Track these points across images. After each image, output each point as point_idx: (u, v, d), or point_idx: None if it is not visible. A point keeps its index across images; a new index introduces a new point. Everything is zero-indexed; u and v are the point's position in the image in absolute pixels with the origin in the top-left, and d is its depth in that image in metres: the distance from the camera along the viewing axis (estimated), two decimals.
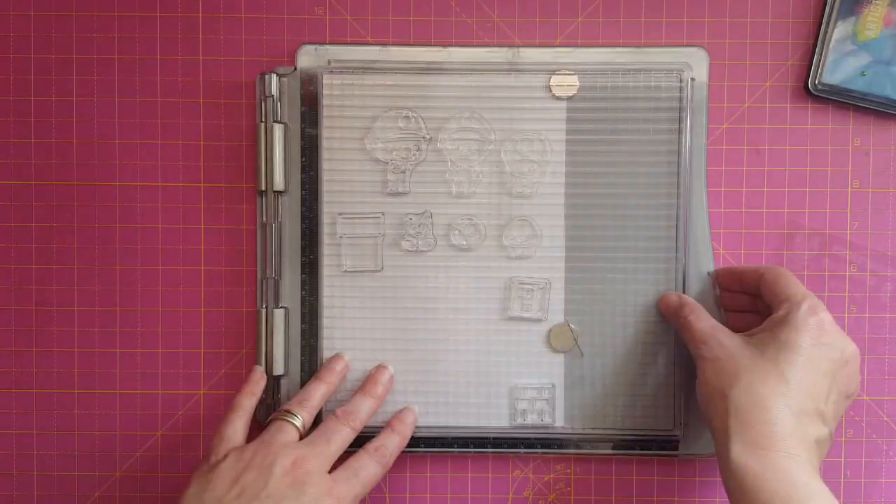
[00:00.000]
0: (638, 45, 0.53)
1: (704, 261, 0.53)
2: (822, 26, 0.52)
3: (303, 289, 0.53)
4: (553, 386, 0.53)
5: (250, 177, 0.53)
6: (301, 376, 0.53)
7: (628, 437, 0.53)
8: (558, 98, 0.53)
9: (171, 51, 0.53)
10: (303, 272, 0.53)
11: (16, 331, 0.54)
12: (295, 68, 0.53)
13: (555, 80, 0.53)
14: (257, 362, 0.53)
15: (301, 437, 0.48)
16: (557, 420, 0.53)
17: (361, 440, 0.50)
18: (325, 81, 0.53)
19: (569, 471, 0.54)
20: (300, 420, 0.48)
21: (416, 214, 0.53)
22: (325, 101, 0.53)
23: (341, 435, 0.48)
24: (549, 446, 0.54)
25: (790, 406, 0.43)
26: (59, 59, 0.53)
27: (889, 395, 0.54)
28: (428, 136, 0.52)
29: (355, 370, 0.53)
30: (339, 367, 0.52)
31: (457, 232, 0.53)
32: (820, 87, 0.52)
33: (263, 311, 0.53)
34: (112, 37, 0.53)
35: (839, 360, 0.44)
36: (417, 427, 0.53)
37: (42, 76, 0.53)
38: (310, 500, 0.44)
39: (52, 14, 0.53)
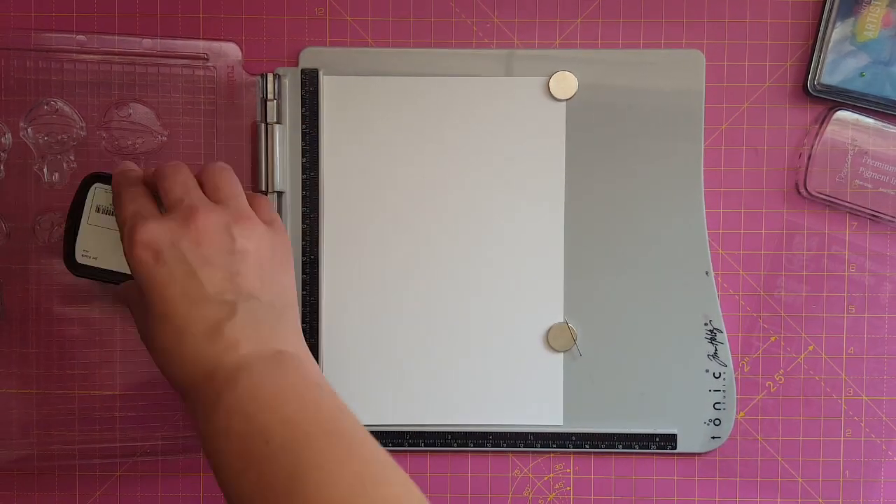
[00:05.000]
0: (636, 48, 0.53)
1: (702, 261, 0.53)
2: (821, 27, 0.52)
3: (303, 289, 0.53)
4: (552, 386, 0.53)
5: (251, 177, 0.53)
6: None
7: (627, 436, 0.53)
8: (557, 99, 0.53)
9: None
10: (303, 272, 0.53)
11: (18, 332, 0.54)
12: (295, 69, 0.53)
13: (554, 80, 0.53)
14: None
15: None
16: (557, 419, 0.54)
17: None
18: (325, 82, 0.53)
19: (568, 470, 0.55)
20: None
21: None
22: (325, 102, 0.53)
23: None
24: (548, 445, 0.54)
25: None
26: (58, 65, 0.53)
27: (888, 395, 0.54)
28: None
29: (359, 371, 0.53)
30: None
31: (455, 231, 0.53)
32: (819, 87, 0.52)
33: None
34: (112, 38, 0.53)
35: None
36: (417, 425, 0.53)
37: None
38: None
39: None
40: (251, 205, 0.45)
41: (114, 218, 0.46)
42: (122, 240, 0.43)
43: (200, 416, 0.40)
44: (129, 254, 0.42)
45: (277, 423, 0.38)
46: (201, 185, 0.45)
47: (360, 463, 0.37)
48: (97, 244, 0.47)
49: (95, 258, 0.47)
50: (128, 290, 0.45)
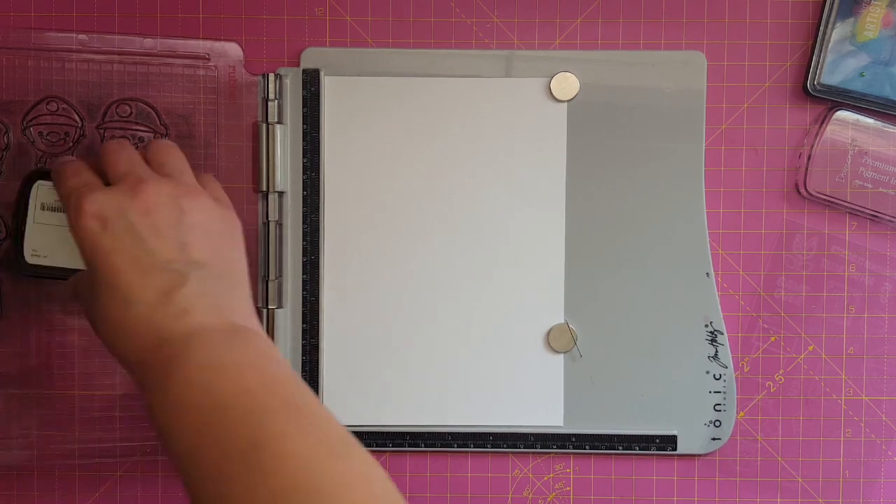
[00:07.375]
0: (637, 48, 0.53)
1: (703, 262, 0.53)
2: (821, 27, 0.52)
3: (303, 289, 0.53)
4: (553, 386, 0.53)
5: (251, 177, 0.53)
6: (301, 376, 0.53)
7: (628, 437, 0.53)
8: (559, 100, 0.53)
9: None
10: (303, 272, 0.53)
11: (18, 332, 0.54)
12: (297, 69, 0.53)
13: (555, 81, 0.53)
14: None
15: None
16: (557, 420, 0.54)
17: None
18: (326, 83, 0.53)
19: (568, 470, 0.55)
20: None
21: None
22: (326, 102, 0.53)
23: None
24: (548, 446, 0.54)
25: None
26: (59, 64, 0.53)
27: (888, 395, 0.54)
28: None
29: (359, 371, 0.53)
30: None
31: (456, 232, 0.53)
32: (819, 87, 0.53)
33: (264, 311, 0.53)
34: (113, 37, 0.53)
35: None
36: (417, 425, 0.53)
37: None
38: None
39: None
40: (199, 182, 0.44)
41: (59, 214, 0.45)
42: (67, 214, 0.41)
43: (151, 389, 0.38)
44: (75, 224, 0.40)
45: (237, 394, 0.36)
46: (147, 162, 0.44)
47: (319, 435, 0.36)
48: (46, 242, 0.46)
49: (46, 256, 0.47)
50: (77, 280, 0.44)
